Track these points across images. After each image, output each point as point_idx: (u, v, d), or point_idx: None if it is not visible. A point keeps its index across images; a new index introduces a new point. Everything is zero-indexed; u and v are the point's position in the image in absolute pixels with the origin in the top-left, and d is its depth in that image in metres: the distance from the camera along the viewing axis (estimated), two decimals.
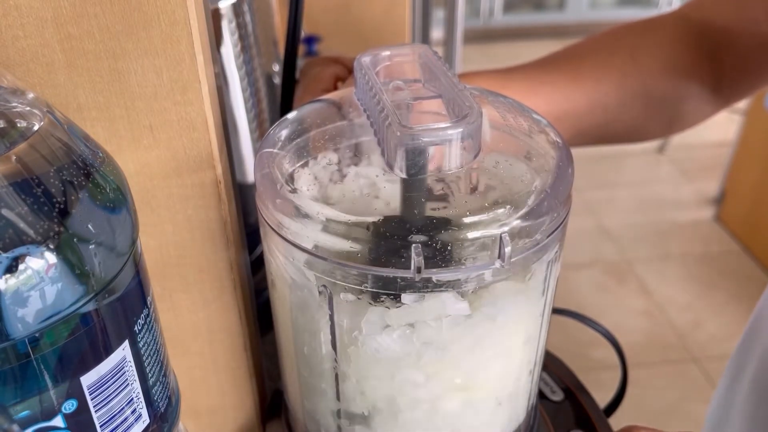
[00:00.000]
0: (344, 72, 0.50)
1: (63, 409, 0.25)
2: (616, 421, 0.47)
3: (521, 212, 0.31)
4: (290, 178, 0.34)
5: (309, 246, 0.32)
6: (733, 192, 2.22)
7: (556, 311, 0.48)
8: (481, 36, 3.83)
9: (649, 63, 0.54)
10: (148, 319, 0.29)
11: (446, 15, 1.14)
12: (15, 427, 0.25)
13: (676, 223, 2.27)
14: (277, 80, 0.64)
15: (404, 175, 0.31)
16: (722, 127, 2.61)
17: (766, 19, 0.52)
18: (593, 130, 0.55)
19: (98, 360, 0.26)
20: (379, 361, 0.34)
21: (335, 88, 0.49)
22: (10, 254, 0.22)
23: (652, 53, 0.54)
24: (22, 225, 0.22)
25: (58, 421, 0.25)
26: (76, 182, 0.25)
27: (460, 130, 0.30)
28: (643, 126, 0.56)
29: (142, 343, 0.29)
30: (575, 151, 0.36)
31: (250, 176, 0.54)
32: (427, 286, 0.31)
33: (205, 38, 0.34)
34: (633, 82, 0.54)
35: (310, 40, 1.00)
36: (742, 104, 2.20)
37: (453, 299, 0.32)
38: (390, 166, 0.31)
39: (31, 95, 0.26)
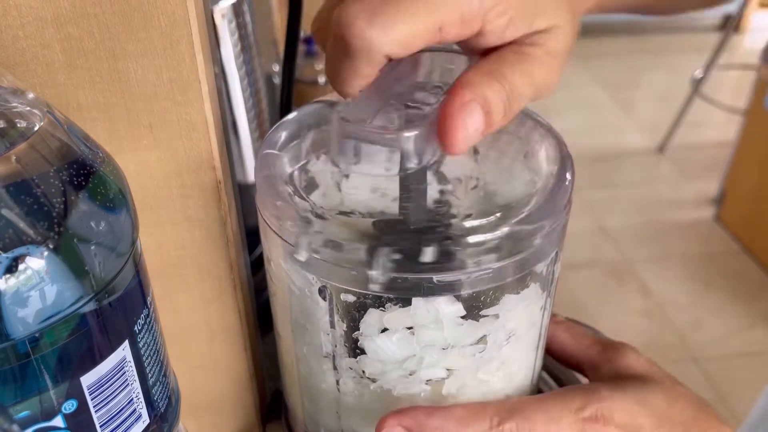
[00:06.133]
0: None
1: (63, 409, 0.25)
2: None
3: (521, 214, 0.31)
4: (290, 180, 0.34)
5: (309, 247, 0.32)
6: (733, 192, 2.22)
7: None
8: None
9: None
10: (148, 319, 0.29)
11: None
12: (15, 427, 0.25)
13: (676, 223, 2.27)
14: (277, 80, 0.64)
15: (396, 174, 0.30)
16: (722, 127, 2.61)
17: None
18: None
19: (98, 360, 0.26)
20: (379, 363, 0.34)
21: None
22: (10, 254, 0.22)
23: None
24: (22, 225, 0.22)
25: (58, 421, 0.25)
26: (76, 182, 0.25)
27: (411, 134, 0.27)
28: None
29: (142, 343, 0.29)
30: (575, 151, 0.36)
31: (251, 177, 0.54)
32: (426, 288, 0.31)
33: (205, 38, 0.34)
34: None
35: (310, 40, 1.00)
36: (742, 104, 2.20)
37: (452, 301, 0.32)
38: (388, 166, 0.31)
39: (31, 95, 0.26)
